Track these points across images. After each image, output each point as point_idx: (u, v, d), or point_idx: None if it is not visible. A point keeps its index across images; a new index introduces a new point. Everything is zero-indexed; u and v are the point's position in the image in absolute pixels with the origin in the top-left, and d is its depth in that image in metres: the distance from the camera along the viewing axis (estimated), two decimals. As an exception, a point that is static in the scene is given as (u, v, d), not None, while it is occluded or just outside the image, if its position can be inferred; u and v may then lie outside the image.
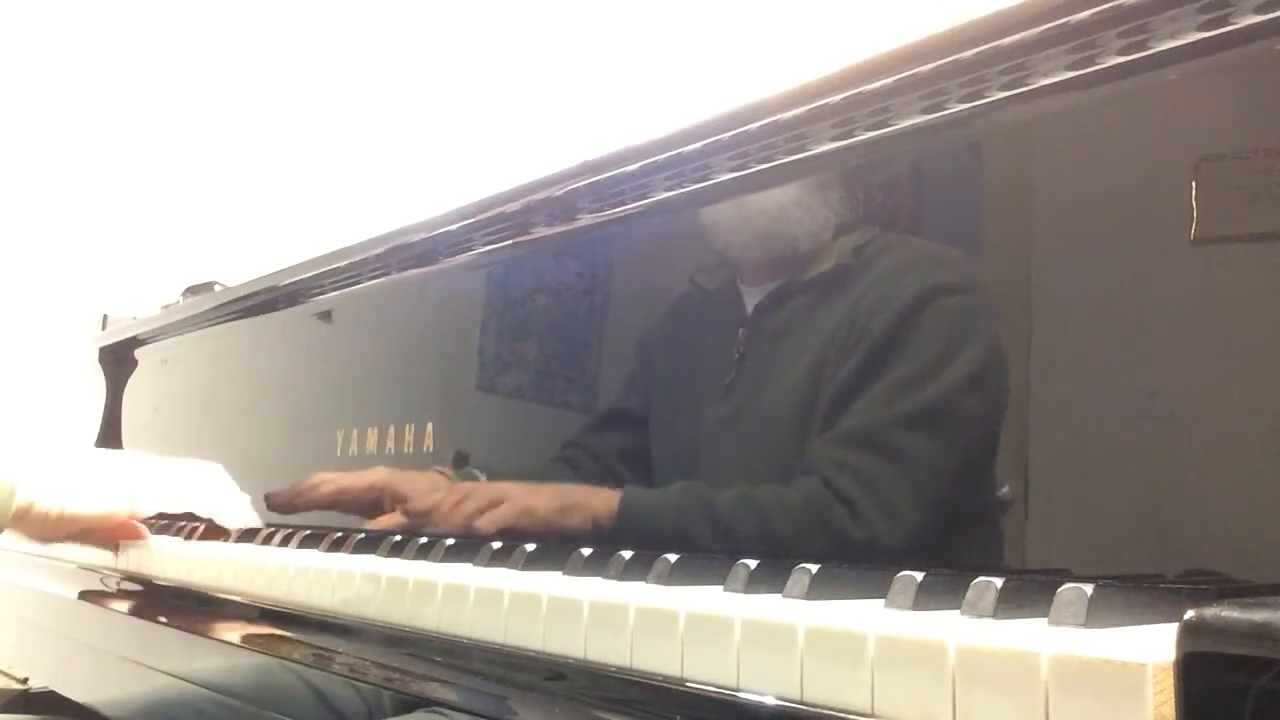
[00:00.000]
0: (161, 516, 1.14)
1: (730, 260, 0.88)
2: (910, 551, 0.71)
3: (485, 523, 0.98)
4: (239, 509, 1.15)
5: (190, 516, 1.16)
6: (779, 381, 0.82)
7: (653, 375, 0.93)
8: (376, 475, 1.15)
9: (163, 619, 1.12)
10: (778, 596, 0.63)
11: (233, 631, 0.99)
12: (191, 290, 1.75)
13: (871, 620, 0.51)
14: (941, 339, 0.74)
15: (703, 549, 0.80)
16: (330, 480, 1.20)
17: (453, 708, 0.71)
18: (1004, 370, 0.70)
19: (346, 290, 1.31)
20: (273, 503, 1.22)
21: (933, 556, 0.70)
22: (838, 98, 0.76)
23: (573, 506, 0.94)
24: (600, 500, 0.91)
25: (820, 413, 0.79)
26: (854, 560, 0.72)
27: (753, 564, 0.67)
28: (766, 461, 0.81)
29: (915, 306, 0.75)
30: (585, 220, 0.98)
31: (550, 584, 0.70)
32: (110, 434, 1.82)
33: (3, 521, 0.92)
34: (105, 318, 1.94)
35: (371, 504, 1.14)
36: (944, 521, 0.71)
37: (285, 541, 1.15)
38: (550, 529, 0.94)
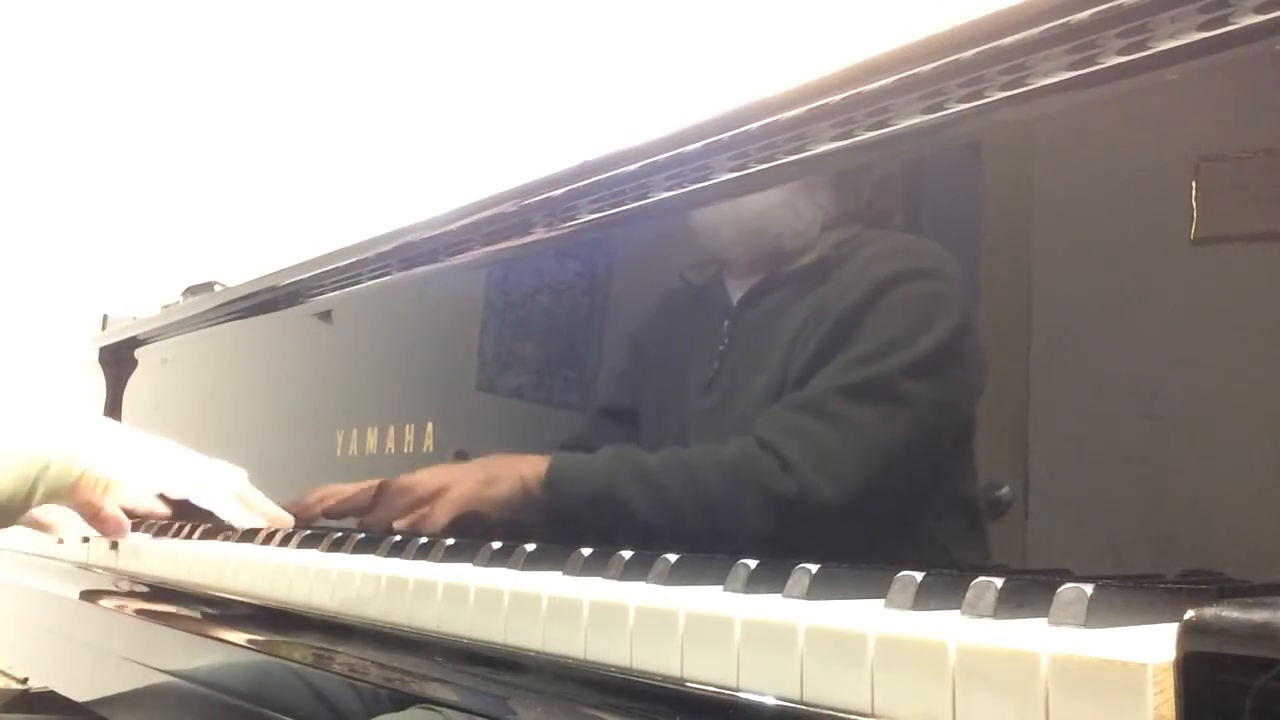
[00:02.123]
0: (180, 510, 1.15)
1: (719, 256, 0.89)
2: (846, 522, 0.72)
3: (419, 509, 1.03)
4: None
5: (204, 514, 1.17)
6: (757, 372, 0.83)
7: (648, 371, 0.93)
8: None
9: (163, 619, 1.12)
10: (778, 596, 0.63)
11: (233, 631, 0.99)
12: (191, 290, 1.75)
13: (871, 620, 0.51)
14: (902, 321, 0.75)
15: (634, 509, 0.82)
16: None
17: (453, 707, 0.71)
18: (965, 366, 0.70)
19: (346, 290, 1.31)
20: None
21: (883, 545, 0.71)
22: (838, 98, 0.76)
23: (499, 477, 0.96)
24: (528, 466, 0.94)
25: (785, 394, 0.80)
26: (789, 517, 0.74)
27: (752, 564, 0.67)
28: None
29: (878, 290, 0.76)
30: (585, 220, 0.98)
31: (550, 584, 0.70)
32: (110, 434, 1.82)
33: (66, 484, 0.92)
34: (105, 318, 1.94)
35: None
36: (897, 514, 0.72)
37: (285, 541, 1.15)
38: (482, 500, 0.98)
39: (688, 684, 0.58)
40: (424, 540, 0.96)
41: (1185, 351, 0.60)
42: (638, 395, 0.94)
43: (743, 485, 0.78)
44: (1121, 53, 0.62)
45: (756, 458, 0.78)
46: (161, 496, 1.10)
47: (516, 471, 0.95)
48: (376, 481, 1.13)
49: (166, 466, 1.03)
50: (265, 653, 0.93)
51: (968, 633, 0.47)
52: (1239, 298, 0.58)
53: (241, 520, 1.05)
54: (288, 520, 1.09)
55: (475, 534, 0.95)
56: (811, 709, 0.52)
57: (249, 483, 1.10)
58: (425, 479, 1.06)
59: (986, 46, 0.68)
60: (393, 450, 1.15)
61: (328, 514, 1.19)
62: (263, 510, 1.06)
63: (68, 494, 0.97)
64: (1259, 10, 0.57)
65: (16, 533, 1.03)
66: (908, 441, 0.73)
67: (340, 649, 0.84)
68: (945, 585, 0.58)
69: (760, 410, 0.81)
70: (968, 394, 0.70)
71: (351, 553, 1.01)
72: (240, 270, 1.57)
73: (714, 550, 0.73)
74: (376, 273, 1.26)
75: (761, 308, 0.85)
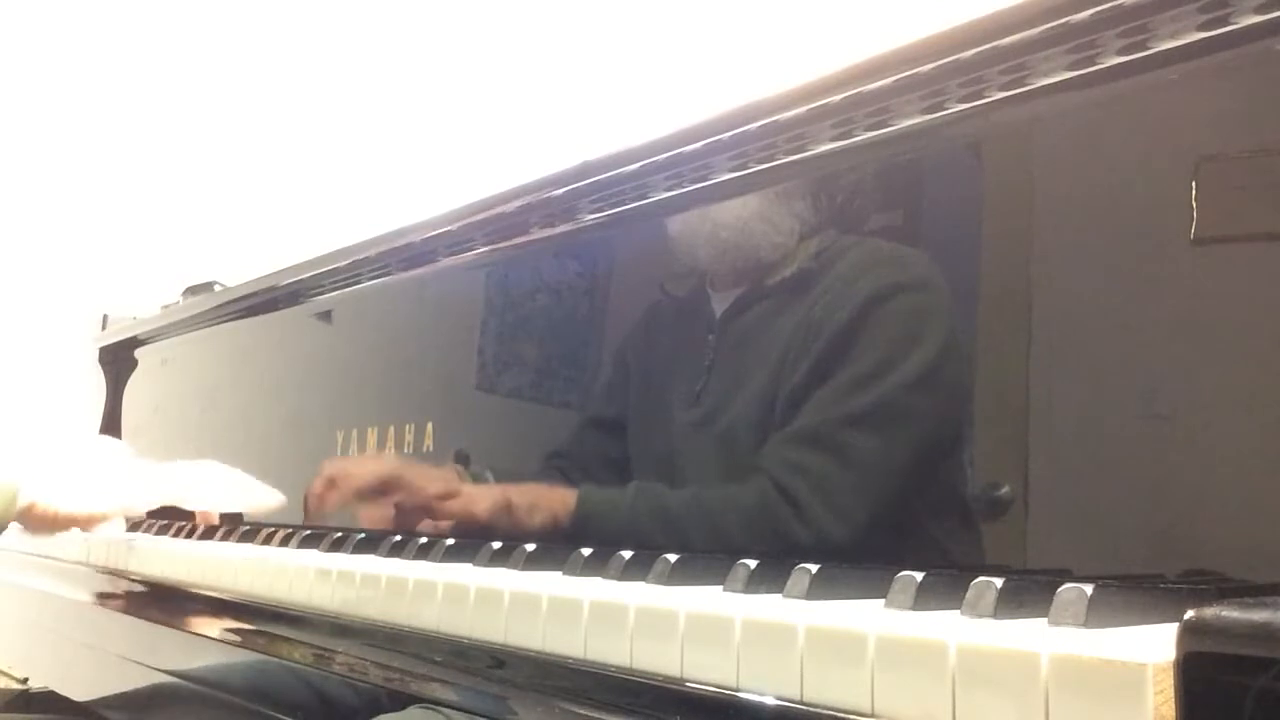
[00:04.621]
0: (154, 515, 1.17)
1: (714, 259, 0.89)
2: (861, 551, 0.72)
3: (452, 518, 1.03)
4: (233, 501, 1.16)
5: (178, 513, 1.19)
6: (752, 380, 0.83)
7: (649, 371, 0.93)
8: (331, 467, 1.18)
9: (163, 619, 1.12)
10: (778, 596, 0.63)
11: (233, 631, 0.99)
12: (191, 290, 1.75)
13: (871, 620, 0.51)
14: (895, 338, 0.74)
15: (655, 547, 0.82)
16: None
17: (453, 707, 0.71)
18: (965, 369, 0.70)
19: (346, 290, 1.31)
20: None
21: (886, 558, 0.71)
22: (838, 98, 0.76)
23: (534, 505, 0.96)
24: (559, 499, 0.94)
25: (778, 415, 0.79)
26: (798, 540, 0.74)
27: (752, 564, 0.67)
28: (734, 466, 0.82)
29: (870, 305, 0.76)
30: (585, 220, 0.98)
31: (550, 584, 0.70)
32: (110, 434, 1.82)
33: (5, 521, 0.96)
34: (105, 318, 1.94)
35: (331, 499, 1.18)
36: (901, 522, 0.72)
37: (285, 541, 1.15)
38: (513, 525, 0.97)
39: (688, 684, 0.58)
40: (424, 540, 0.96)
41: (1185, 351, 0.60)
42: (639, 396, 0.94)
43: (761, 527, 0.78)
44: (1121, 53, 0.62)
45: (770, 500, 0.77)
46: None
47: (549, 504, 0.96)
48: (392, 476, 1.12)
49: (121, 487, 1.07)
50: (265, 653, 0.93)
51: (968, 633, 0.47)
52: (1239, 298, 0.58)
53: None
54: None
55: (476, 535, 0.96)
56: (811, 709, 0.52)
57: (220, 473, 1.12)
58: (446, 492, 1.05)
59: (986, 46, 0.68)
60: (393, 450, 1.15)
61: (342, 511, 1.18)
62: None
63: (23, 523, 1.01)
64: (1259, 10, 0.57)
65: (17, 532, 1.06)
66: (911, 453, 0.73)
67: (340, 649, 0.84)
68: (945, 585, 0.58)
69: (755, 424, 0.81)
70: (968, 397, 0.70)
71: (351, 553, 1.01)
72: (240, 270, 1.57)
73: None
74: (376, 273, 1.26)
75: (750, 315, 0.85)
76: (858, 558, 0.70)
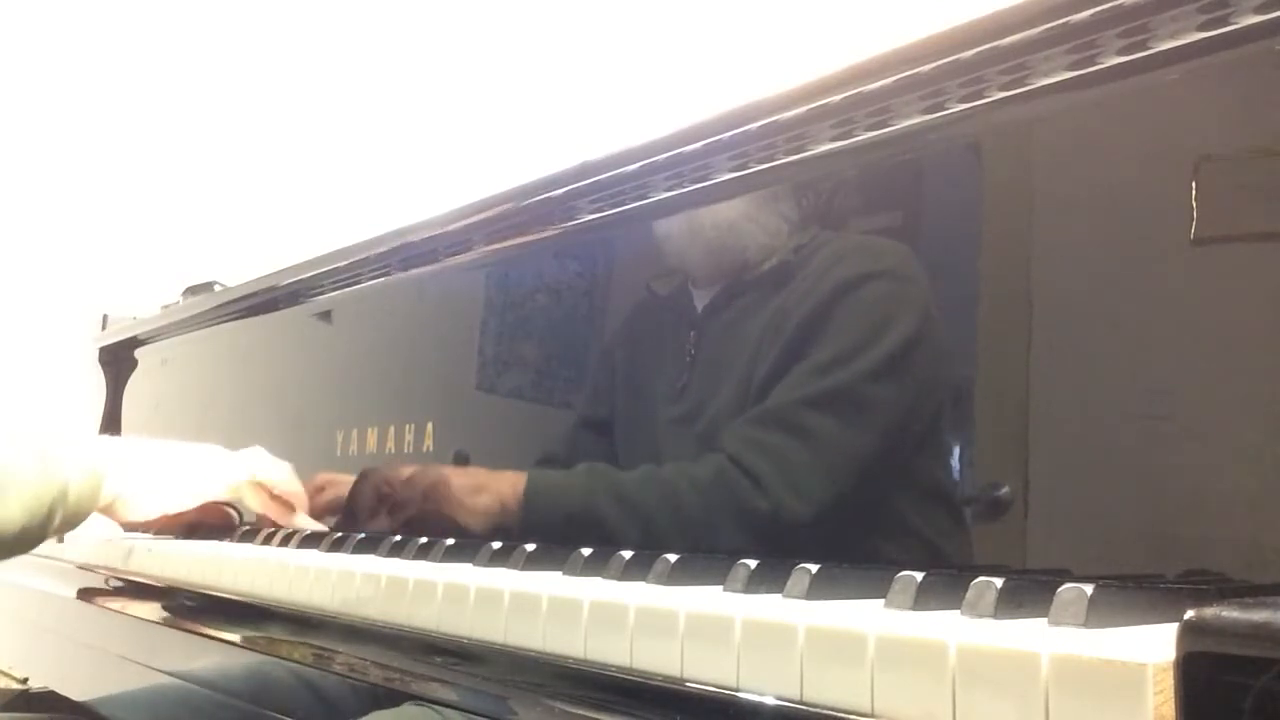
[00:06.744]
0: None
1: (710, 265, 0.89)
2: (827, 535, 0.72)
3: (401, 505, 1.04)
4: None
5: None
6: (724, 379, 0.83)
7: (650, 371, 0.94)
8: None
9: (163, 619, 1.12)
10: (778, 596, 0.63)
11: (232, 631, 0.99)
12: (191, 290, 1.75)
13: (871, 620, 0.51)
14: (864, 324, 0.75)
15: (612, 529, 0.82)
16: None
17: (452, 707, 0.71)
18: (958, 365, 0.70)
19: (346, 290, 1.31)
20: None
21: (853, 544, 0.71)
22: (838, 98, 0.76)
23: (481, 489, 0.96)
24: (508, 483, 0.94)
25: (750, 402, 0.80)
26: (763, 538, 0.74)
27: (753, 564, 0.67)
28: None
29: (839, 292, 0.76)
30: (585, 220, 0.98)
31: (550, 584, 0.70)
32: (110, 434, 1.82)
33: (91, 509, 0.98)
34: (105, 318, 1.94)
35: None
36: (883, 514, 0.72)
37: (285, 541, 1.15)
38: (461, 511, 0.98)
39: (688, 684, 0.58)
40: (424, 540, 0.96)
41: (1185, 351, 0.60)
42: (627, 395, 0.94)
43: (719, 504, 0.78)
44: (1121, 53, 0.62)
45: (730, 477, 0.77)
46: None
47: (497, 487, 0.96)
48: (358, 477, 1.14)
49: (196, 477, 1.08)
50: (265, 653, 0.93)
51: (968, 633, 0.47)
52: (1239, 298, 0.58)
53: (284, 521, 1.08)
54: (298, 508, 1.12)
55: (473, 535, 0.96)
56: (811, 709, 0.52)
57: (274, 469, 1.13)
58: (411, 488, 1.06)
59: (986, 46, 0.68)
60: (393, 450, 1.15)
61: (314, 508, 1.20)
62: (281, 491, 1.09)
63: (106, 514, 1.02)
64: (1259, 10, 0.57)
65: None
66: (886, 441, 0.73)
67: (340, 649, 0.84)
68: (945, 585, 0.58)
69: (733, 416, 0.81)
70: (965, 395, 0.70)
71: (351, 553, 1.01)
72: (240, 270, 1.57)
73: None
74: (376, 273, 1.26)
75: (730, 310, 0.85)
76: (840, 539, 0.71)
